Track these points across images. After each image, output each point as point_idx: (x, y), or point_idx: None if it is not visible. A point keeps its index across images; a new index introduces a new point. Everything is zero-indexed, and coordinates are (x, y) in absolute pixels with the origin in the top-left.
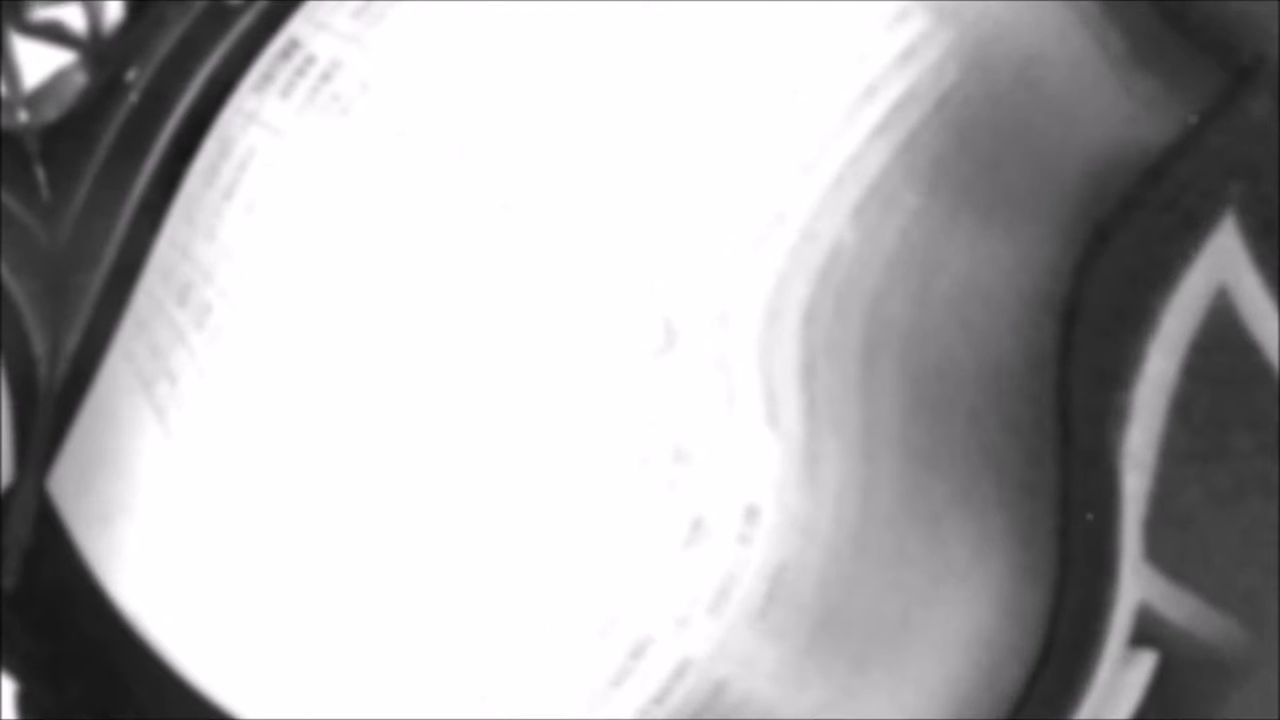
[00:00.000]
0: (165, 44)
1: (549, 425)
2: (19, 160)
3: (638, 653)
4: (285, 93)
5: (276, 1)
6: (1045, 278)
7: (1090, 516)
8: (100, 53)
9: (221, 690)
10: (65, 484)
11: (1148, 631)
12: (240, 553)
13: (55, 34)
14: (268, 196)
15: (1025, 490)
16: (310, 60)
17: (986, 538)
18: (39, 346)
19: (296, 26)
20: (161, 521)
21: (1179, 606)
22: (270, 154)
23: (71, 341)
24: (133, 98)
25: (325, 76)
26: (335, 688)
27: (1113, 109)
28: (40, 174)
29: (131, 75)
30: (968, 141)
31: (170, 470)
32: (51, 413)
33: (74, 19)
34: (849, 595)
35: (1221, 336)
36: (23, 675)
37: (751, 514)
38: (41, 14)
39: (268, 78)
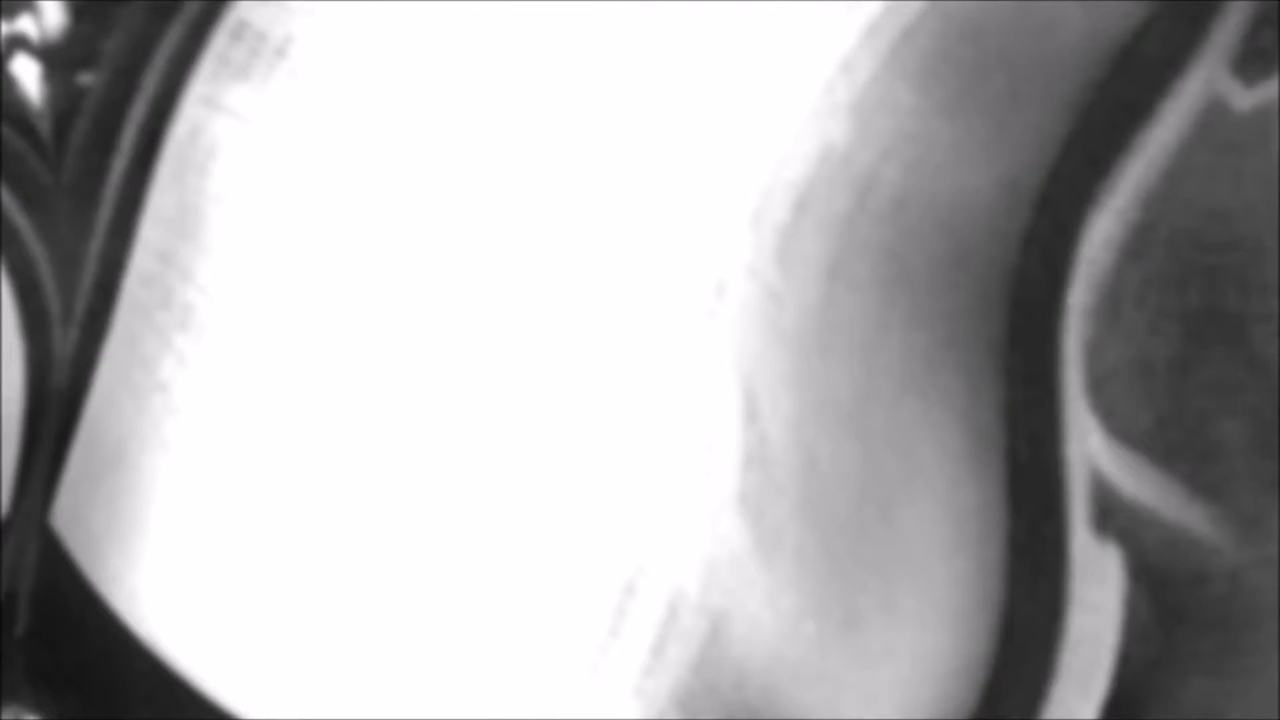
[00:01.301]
0: (116, 44)
1: (540, 390)
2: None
3: (630, 588)
4: (243, 75)
5: None
6: (1027, 173)
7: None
8: (50, 58)
9: (231, 695)
10: (66, 510)
11: (1106, 503)
12: (246, 552)
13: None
14: (237, 185)
15: (980, 371)
16: (262, 38)
17: (945, 419)
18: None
19: (243, 7)
20: (166, 532)
21: (1130, 471)
22: (235, 141)
23: (60, 374)
24: (92, 104)
25: (279, 53)
26: (342, 679)
27: (1102, 9)
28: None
29: (87, 79)
30: (959, 41)
31: (171, 480)
32: (54, 434)
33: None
34: (825, 483)
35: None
36: (33, 703)
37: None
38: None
39: (223, 62)
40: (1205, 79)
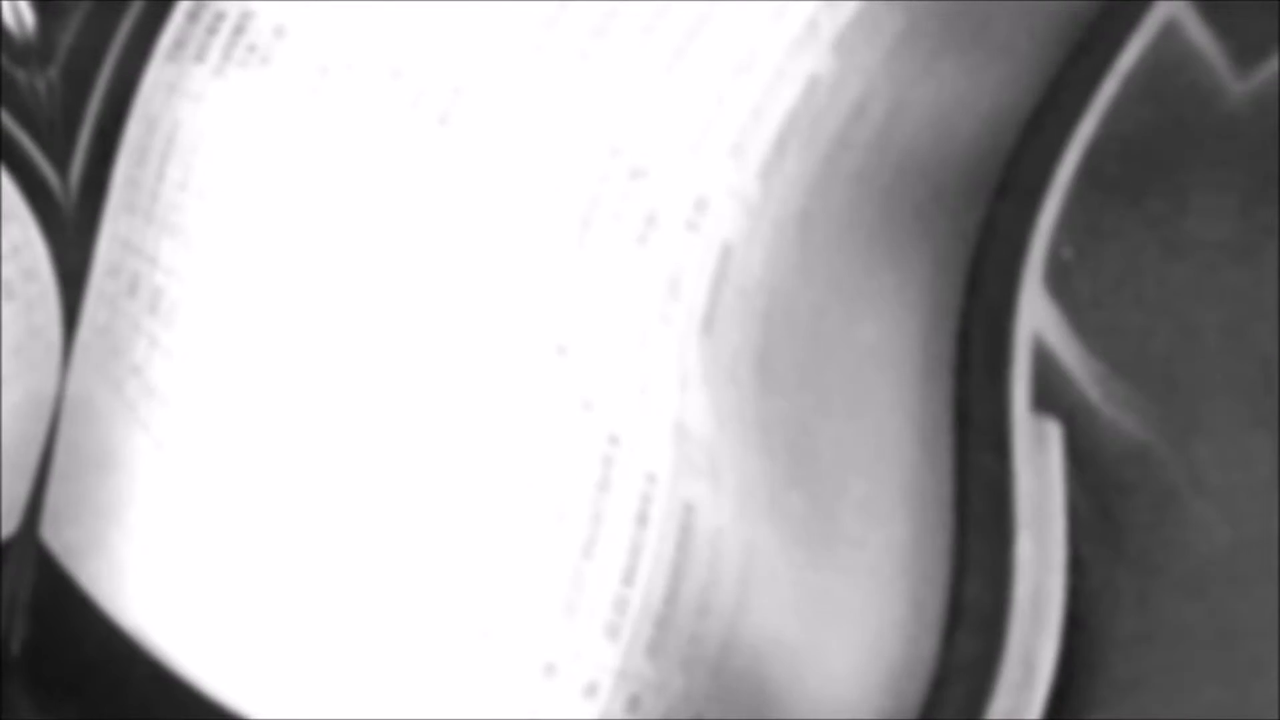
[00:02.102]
0: (69, 34)
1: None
2: None
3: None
4: (200, 56)
5: None
6: (1010, 109)
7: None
8: (16, 56)
9: (231, 693)
10: (54, 516)
11: (1051, 388)
12: (234, 544)
13: None
14: (200, 167)
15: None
16: (220, 16)
17: (909, 273)
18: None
19: None
20: (153, 526)
21: (1074, 356)
22: (196, 123)
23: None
24: (48, 97)
25: (238, 29)
26: (341, 663)
27: None
28: None
29: (51, 74)
30: None
31: (154, 473)
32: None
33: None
34: (790, 306)
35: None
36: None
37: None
38: None
39: (179, 44)
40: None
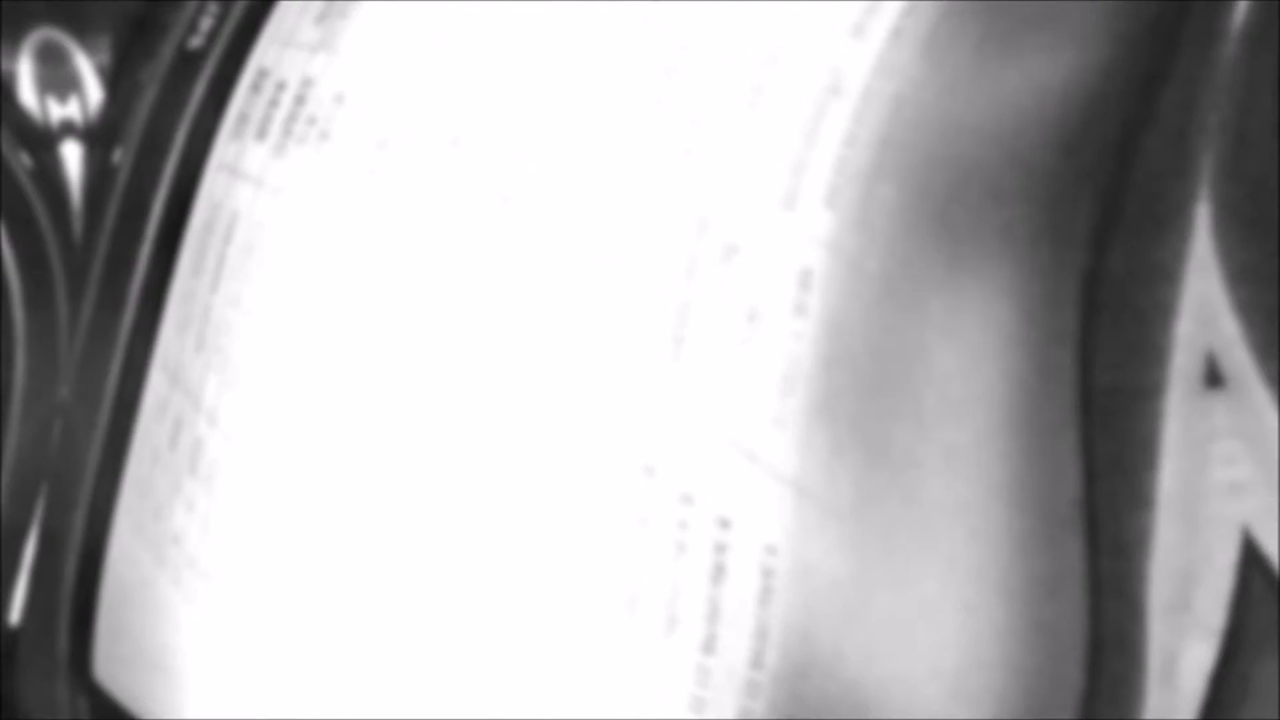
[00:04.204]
0: (142, 111)
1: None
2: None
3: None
4: (261, 132)
5: (238, 30)
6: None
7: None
8: (91, 136)
9: None
10: (106, 660)
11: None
12: (287, 705)
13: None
14: (254, 275)
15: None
16: (281, 86)
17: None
18: None
19: (262, 52)
20: (204, 680)
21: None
22: (254, 215)
23: (79, 519)
24: (121, 180)
25: (299, 100)
26: None
27: None
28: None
29: (118, 155)
30: None
31: (203, 637)
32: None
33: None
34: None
35: None
36: None
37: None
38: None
39: (243, 119)
40: None
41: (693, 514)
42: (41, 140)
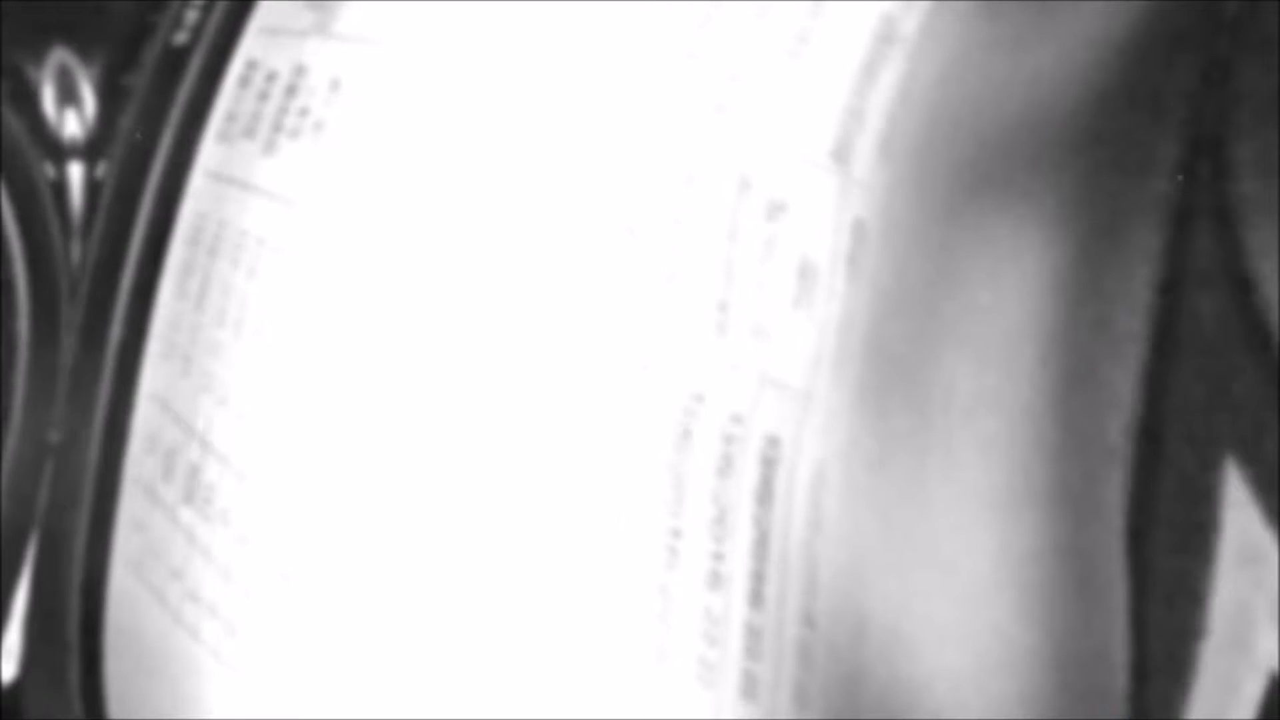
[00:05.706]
0: (126, 119)
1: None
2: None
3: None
4: (249, 130)
5: (225, 19)
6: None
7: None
8: (85, 151)
9: None
10: (119, 704)
11: None
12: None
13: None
14: (243, 295)
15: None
16: (271, 77)
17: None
18: None
19: (250, 44)
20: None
21: None
22: (241, 223)
23: (76, 574)
24: (106, 195)
25: (290, 90)
26: None
27: None
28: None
29: (101, 169)
30: None
31: (216, 678)
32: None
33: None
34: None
35: None
36: None
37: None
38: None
39: (231, 117)
40: None
41: (735, 484)
42: (59, 155)
